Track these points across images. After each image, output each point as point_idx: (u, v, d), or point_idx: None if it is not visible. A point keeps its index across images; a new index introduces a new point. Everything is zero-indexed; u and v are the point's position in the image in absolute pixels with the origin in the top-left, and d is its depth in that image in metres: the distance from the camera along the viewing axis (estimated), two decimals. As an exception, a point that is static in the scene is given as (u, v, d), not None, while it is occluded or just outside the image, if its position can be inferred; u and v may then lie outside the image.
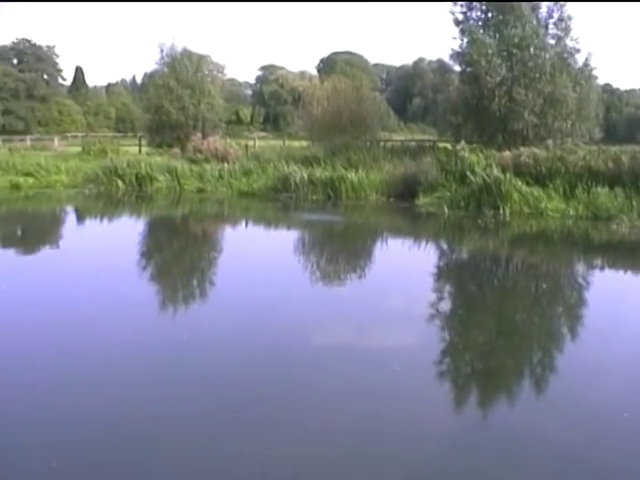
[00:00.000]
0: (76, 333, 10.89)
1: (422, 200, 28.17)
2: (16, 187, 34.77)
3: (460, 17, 35.29)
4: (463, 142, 30.22)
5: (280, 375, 9.20)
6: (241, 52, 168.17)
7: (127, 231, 23.92)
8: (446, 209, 26.39)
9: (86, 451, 6.99)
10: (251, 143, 44.69)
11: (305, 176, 31.25)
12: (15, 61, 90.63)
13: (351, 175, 30.69)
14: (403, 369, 9.33)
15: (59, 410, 7.92)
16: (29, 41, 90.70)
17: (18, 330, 11.05)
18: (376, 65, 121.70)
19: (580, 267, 19.19)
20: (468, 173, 27.54)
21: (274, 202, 30.33)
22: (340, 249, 21.19)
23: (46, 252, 20.45)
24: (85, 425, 7.57)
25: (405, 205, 28.27)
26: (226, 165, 35.05)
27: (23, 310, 12.38)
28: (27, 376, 8.94)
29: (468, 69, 34.85)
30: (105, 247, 20.11)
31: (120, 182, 34.14)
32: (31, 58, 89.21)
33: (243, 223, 27.36)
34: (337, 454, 7.00)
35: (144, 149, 46.05)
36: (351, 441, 7.31)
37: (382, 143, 39.60)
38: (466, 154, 28.93)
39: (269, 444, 7.13)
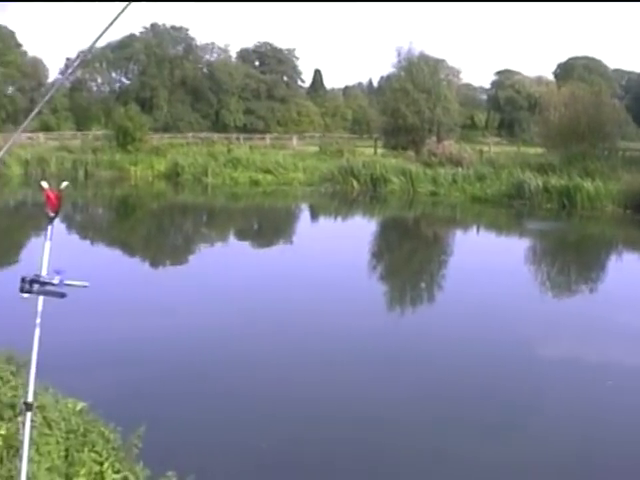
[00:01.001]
0: (297, 330, 11.63)
1: (662, 214, 27.02)
2: (255, 183, 36.81)
3: None
4: None
5: (498, 383, 9.41)
6: (477, 57, 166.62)
7: (360, 230, 24.71)
8: (687, 224, 25.19)
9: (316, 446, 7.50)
10: (486, 148, 44.45)
11: (540, 184, 30.74)
12: (257, 63, 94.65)
13: (587, 184, 29.83)
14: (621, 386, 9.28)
15: (282, 403, 8.42)
16: (270, 44, 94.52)
17: (246, 322, 11.80)
18: (615, 71, 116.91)
19: None
20: None
21: (507, 209, 30.18)
22: (571, 261, 20.87)
23: (279, 247, 21.54)
24: (303, 420, 8.04)
25: (643, 218, 27.25)
26: (460, 170, 35.19)
27: (249, 301, 13.18)
28: (257, 369, 9.55)
29: None
30: (337, 245, 20.88)
31: (355, 182, 35.18)
32: (272, 61, 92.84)
33: (474, 228, 27.48)
34: (550, 462, 7.14)
35: (379, 151, 46.96)
36: (563, 453, 7.40)
37: (620, 152, 38.29)
38: None
39: (486, 449, 7.38)
